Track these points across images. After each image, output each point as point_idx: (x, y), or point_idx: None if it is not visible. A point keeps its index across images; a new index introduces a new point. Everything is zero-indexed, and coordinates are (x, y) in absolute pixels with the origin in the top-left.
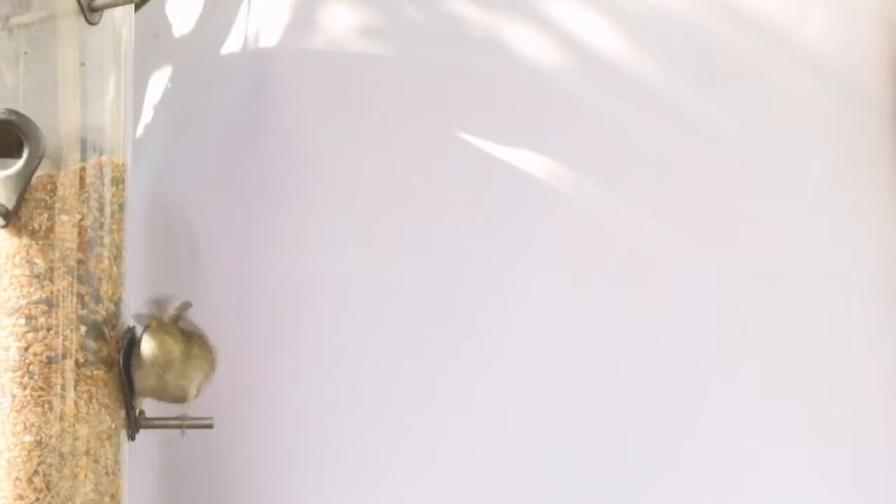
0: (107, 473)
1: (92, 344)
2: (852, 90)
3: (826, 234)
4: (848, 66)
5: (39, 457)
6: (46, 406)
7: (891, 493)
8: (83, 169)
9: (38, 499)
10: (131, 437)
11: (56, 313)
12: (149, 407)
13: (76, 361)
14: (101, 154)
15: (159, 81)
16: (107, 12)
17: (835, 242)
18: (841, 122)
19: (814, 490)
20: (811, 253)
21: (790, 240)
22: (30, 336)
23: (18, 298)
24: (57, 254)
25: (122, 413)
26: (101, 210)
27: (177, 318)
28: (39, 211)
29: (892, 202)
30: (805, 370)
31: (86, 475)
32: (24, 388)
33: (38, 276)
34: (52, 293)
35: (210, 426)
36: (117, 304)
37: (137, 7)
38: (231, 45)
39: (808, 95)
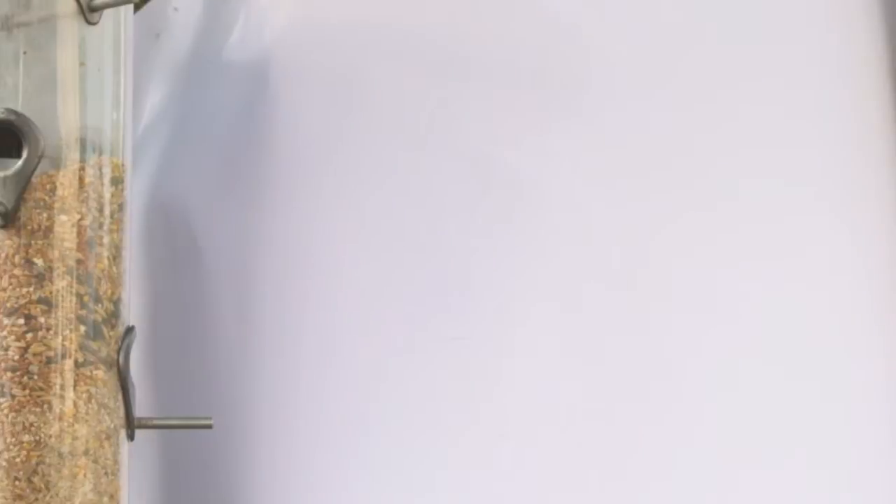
0: (106, 473)
1: (91, 344)
2: (852, 90)
3: (826, 234)
4: (848, 67)
5: (38, 457)
6: (45, 406)
7: (891, 492)
8: (83, 169)
9: (37, 499)
10: (131, 437)
11: (55, 313)
12: (149, 407)
13: (75, 361)
14: (100, 154)
15: (159, 81)
16: (107, 12)
17: (835, 243)
18: (841, 122)
19: (814, 489)
20: (811, 253)
21: (790, 240)
22: (29, 336)
23: (17, 298)
24: (56, 254)
25: (122, 413)
26: (100, 210)
27: None
28: (39, 211)
29: (892, 202)
30: (806, 369)
31: (85, 475)
32: (24, 388)
33: (37, 276)
34: (51, 293)
35: (209, 426)
36: (116, 303)
37: (137, 7)
38: (231, 45)
39: (807, 95)
